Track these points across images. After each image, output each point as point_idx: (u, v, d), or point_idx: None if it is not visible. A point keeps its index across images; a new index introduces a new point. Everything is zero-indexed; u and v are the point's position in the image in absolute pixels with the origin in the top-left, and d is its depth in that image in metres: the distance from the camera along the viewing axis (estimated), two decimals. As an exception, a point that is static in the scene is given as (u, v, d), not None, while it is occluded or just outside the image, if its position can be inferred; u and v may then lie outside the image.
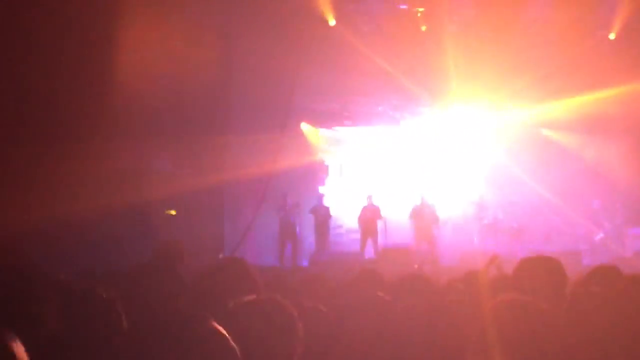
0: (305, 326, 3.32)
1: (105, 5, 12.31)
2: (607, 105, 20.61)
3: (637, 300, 3.42)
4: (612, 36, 18.43)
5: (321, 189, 21.68)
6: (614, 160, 21.55)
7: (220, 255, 15.73)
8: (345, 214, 20.50)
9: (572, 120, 21.28)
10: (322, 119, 22.03)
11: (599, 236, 19.28)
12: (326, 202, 19.36)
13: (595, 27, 18.57)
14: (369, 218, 18.51)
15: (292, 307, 2.92)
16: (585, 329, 3.28)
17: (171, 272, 5.72)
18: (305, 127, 21.45)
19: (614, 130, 21.50)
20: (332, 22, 17.16)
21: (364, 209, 18.75)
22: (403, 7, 17.43)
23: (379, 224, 18.70)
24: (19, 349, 2.11)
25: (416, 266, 15.56)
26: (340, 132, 22.66)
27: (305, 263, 17.64)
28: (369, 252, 18.11)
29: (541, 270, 4.29)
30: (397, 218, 20.19)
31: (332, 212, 19.06)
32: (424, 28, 18.09)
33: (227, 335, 2.26)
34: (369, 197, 18.98)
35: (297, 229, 18.19)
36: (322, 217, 18.68)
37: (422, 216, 19.03)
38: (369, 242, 18.36)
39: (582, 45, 18.68)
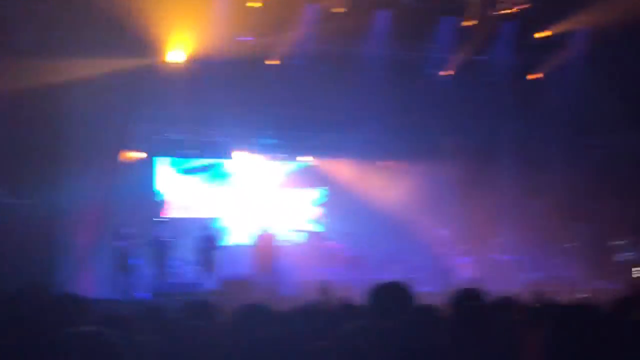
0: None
1: None
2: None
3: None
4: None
5: (160, 220, 21.35)
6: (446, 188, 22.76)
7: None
8: (183, 244, 20.25)
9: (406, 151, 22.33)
10: (162, 149, 21.79)
11: (446, 264, 20.00)
12: (164, 232, 19.04)
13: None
14: (209, 248, 18.38)
15: (119, 339, 2.87)
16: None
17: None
18: (144, 156, 21.12)
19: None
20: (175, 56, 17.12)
21: (204, 237, 18.61)
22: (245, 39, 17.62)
23: (219, 254, 18.59)
24: None
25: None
26: (181, 162, 22.47)
27: (141, 294, 17.23)
28: (209, 283, 17.95)
29: (391, 296, 4.46)
30: (237, 248, 20.23)
31: (171, 243, 18.76)
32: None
33: None
34: (207, 227, 18.87)
35: (134, 260, 17.75)
36: (161, 247, 18.36)
37: (262, 246, 19.14)
38: (209, 272, 18.19)
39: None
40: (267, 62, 18.53)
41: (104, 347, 2.77)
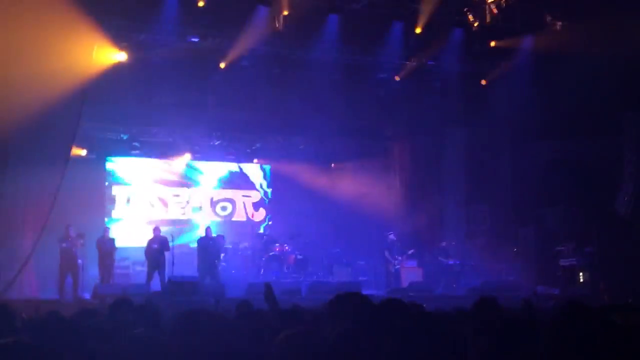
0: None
1: None
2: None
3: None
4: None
5: (107, 221, 21.16)
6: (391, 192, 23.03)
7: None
8: (131, 246, 20.10)
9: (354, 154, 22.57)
10: (111, 149, 21.61)
11: (395, 268, 20.12)
12: (111, 233, 18.86)
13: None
14: (156, 250, 18.24)
15: (41, 346, 2.86)
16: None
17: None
18: (93, 156, 20.92)
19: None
20: (121, 55, 16.96)
21: (151, 240, 18.46)
22: (194, 39, 17.53)
23: (166, 256, 18.46)
24: None
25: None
26: (128, 162, 22.31)
27: (87, 296, 17.02)
28: (155, 285, 17.81)
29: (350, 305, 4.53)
30: (183, 250, 20.13)
31: (117, 244, 18.58)
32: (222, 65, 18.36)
33: None
34: (156, 229, 18.73)
35: (80, 261, 17.53)
36: (107, 248, 18.17)
37: (206, 249, 19.07)
38: (156, 274, 18.06)
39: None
40: (218, 64, 18.43)
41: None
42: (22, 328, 5.41)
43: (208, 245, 19.17)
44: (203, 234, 19.67)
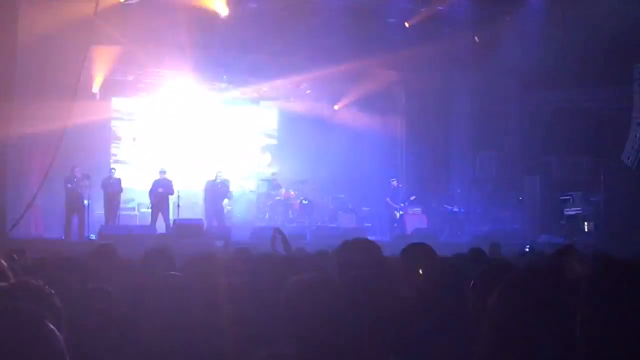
0: (92, 307, 3.25)
1: None
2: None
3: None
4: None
5: (112, 161, 21.15)
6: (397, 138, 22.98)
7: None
8: (137, 187, 20.15)
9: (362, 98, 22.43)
10: (116, 89, 21.48)
11: (399, 214, 20.16)
12: (117, 174, 18.86)
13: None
14: (161, 192, 18.28)
15: (44, 287, 2.85)
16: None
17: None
18: (97, 96, 20.80)
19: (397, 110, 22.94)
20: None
21: (156, 182, 18.49)
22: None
23: (171, 199, 18.53)
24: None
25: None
26: (135, 102, 22.23)
27: (93, 237, 17.12)
28: (160, 227, 17.91)
29: (360, 251, 4.52)
30: (190, 193, 20.17)
31: (123, 185, 18.61)
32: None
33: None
34: (161, 171, 18.73)
35: (86, 202, 17.59)
36: (113, 190, 18.21)
37: (214, 191, 19.11)
38: (160, 216, 18.14)
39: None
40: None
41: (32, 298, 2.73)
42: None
43: (216, 188, 19.20)
44: (212, 177, 19.61)
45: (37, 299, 2.71)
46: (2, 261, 4.13)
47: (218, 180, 19.37)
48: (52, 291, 2.82)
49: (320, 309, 3.00)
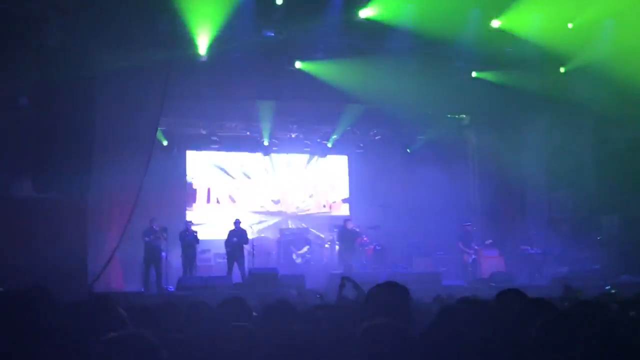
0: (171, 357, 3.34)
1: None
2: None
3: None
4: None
5: (188, 214, 21.56)
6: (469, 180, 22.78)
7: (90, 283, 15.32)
8: (212, 239, 20.45)
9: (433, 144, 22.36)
10: (190, 142, 21.99)
11: (471, 258, 19.94)
12: (193, 226, 19.19)
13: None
14: (236, 242, 18.50)
15: (154, 339, 2.94)
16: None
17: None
18: (173, 150, 21.33)
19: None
20: (201, 51, 17.12)
21: (231, 232, 18.73)
22: (269, 34, 17.57)
23: (246, 248, 18.73)
24: None
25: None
26: (208, 155, 22.69)
27: (171, 288, 17.39)
28: (236, 277, 18.08)
29: (389, 295, 4.57)
30: (263, 242, 20.39)
31: (199, 237, 18.91)
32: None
33: None
34: (236, 222, 18.98)
35: (164, 254, 17.95)
36: (189, 241, 18.52)
37: (286, 240, 19.26)
38: (236, 266, 18.34)
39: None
40: (293, 57, 18.52)
41: (141, 349, 2.83)
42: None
43: (289, 236, 19.38)
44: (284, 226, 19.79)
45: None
46: (122, 310, 4.24)
47: (291, 228, 19.56)
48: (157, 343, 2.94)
49: (391, 353, 3.02)
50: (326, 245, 21.76)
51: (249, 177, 23.01)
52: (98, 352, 2.76)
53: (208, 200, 22.53)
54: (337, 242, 20.52)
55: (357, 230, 19.88)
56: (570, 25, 17.54)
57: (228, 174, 22.87)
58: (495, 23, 17.56)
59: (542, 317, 3.04)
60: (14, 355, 2.85)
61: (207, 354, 3.49)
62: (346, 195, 24.05)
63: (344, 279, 6.65)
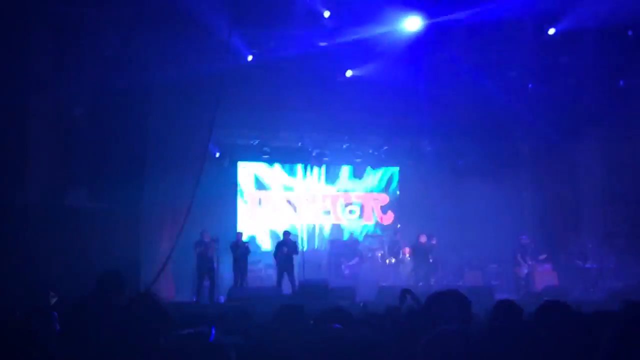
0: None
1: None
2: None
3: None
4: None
5: (240, 225, 21.67)
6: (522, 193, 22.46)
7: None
8: (264, 250, 20.52)
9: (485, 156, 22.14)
10: (241, 153, 22.13)
11: (525, 272, 19.66)
12: (244, 237, 19.27)
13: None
14: (286, 252, 18.51)
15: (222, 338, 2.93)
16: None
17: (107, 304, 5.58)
18: (225, 161, 21.49)
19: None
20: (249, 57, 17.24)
21: (281, 243, 18.75)
22: (323, 44, 17.60)
23: (296, 259, 18.73)
24: None
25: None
26: (259, 166, 22.79)
27: (222, 299, 17.46)
28: (286, 288, 18.08)
29: (449, 303, 4.51)
30: (314, 252, 20.38)
31: (250, 248, 18.97)
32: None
33: None
34: (286, 232, 19.00)
35: (215, 265, 18.03)
36: (241, 252, 18.57)
37: (337, 250, 19.23)
38: (286, 277, 18.33)
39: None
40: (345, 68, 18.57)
41: (211, 346, 2.82)
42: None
43: (340, 248, 19.32)
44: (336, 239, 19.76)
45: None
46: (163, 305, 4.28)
47: (342, 239, 19.55)
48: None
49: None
50: (379, 254, 21.63)
51: (299, 189, 23.05)
52: (167, 349, 2.75)
53: (259, 211, 22.60)
54: (408, 257, 20.42)
55: (434, 242, 19.75)
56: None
57: (279, 184, 22.94)
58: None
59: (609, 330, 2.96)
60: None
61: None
62: (396, 206, 23.92)
63: (404, 291, 6.61)
